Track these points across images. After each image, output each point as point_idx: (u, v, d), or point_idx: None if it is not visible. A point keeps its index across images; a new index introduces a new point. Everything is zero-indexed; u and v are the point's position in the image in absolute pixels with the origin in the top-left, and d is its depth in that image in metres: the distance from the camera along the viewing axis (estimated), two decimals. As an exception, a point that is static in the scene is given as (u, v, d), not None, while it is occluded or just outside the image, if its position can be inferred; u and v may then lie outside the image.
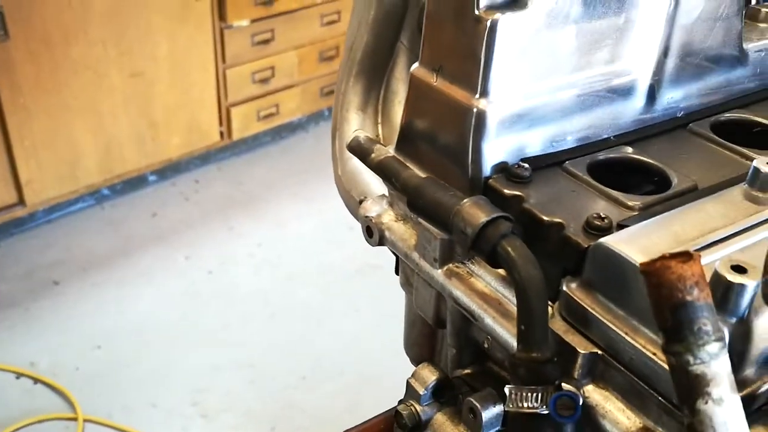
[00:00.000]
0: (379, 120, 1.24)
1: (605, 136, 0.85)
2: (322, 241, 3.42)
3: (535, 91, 0.77)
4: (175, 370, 2.91)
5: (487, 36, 0.72)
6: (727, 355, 0.53)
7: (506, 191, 0.75)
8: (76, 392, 2.82)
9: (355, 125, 1.22)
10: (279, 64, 4.03)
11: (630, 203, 0.73)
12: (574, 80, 0.80)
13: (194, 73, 3.75)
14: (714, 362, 0.52)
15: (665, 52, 0.85)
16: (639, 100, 0.86)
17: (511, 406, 0.65)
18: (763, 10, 0.99)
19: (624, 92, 0.84)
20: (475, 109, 0.75)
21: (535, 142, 0.80)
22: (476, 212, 0.70)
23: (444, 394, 0.83)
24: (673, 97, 0.88)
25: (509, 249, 0.67)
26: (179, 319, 3.11)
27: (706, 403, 0.52)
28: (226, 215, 3.67)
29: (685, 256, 0.53)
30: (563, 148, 0.82)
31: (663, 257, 0.54)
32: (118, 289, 3.24)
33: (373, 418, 0.97)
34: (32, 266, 3.34)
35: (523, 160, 0.79)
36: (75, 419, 2.75)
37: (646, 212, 0.72)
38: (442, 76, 0.78)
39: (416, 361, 0.96)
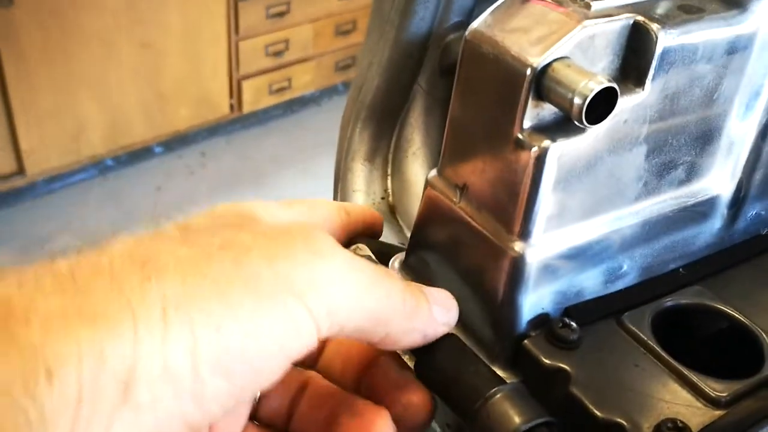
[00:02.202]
0: (389, 171, 1.04)
1: (672, 267, 0.64)
2: (330, 223, 3.20)
3: (590, 226, 0.56)
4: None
5: (533, 167, 0.50)
6: None
7: (547, 361, 0.54)
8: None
9: (362, 178, 1.02)
10: (294, 38, 3.80)
11: (713, 394, 0.53)
12: (640, 208, 0.58)
13: (206, 45, 3.53)
14: None
15: (754, 164, 0.63)
16: (717, 220, 0.65)
17: None
18: None
19: (701, 214, 0.63)
20: (510, 253, 0.54)
21: (585, 285, 0.59)
22: (509, 412, 0.49)
23: None
24: (756, 211, 0.67)
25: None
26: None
27: None
28: (232, 191, 3.47)
29: None
30: (620, 288, 0.61)
31: None
32: (116, 268, 3.05)
33: None
34: (28, 239, 3.15)
35: (569, 310, 0.58)
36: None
37: (736, 411, 0.52)
38: (466, 199, 0.57)
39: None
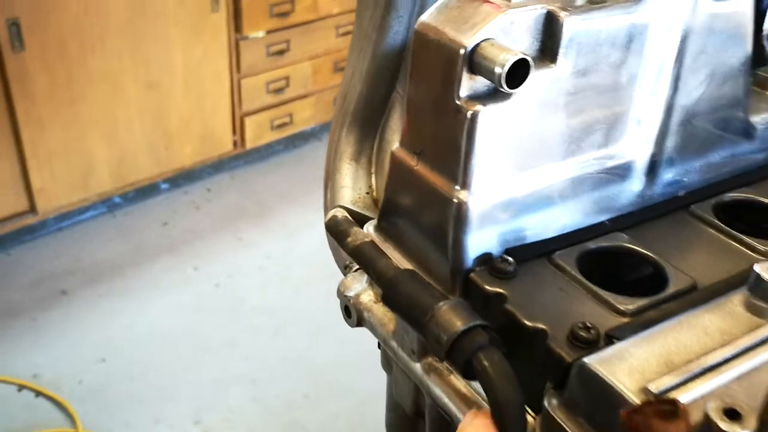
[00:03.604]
0: (373, 170, 1.18)
1: (600, 220, 0.78)
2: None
3: (522, 179, 0.71)
4: (178, 386, 2.86)
5: (467, 127, 0.65)
6: None
7: (488, 288, 0.69)
8: (77, 406, 2.78)
9: (348, 175, 1.16)
10: (293, 74, 3.97)
11: (621, 307, 0.67)
12: (564, 166, 0.73)
13: (209, 83, 3.70)
14: None
15: (664, 132, 0.78)
16: (636, 180, 0.79)
17: None
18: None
19: (620, 174, 0.77)
20: (455, 200, 0.68)
21: (522, 231, 0.73)
22: (452, 319, 0.63)
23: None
24: (673, 175, 0.82)
25: (486, 364, 0.61)
26: (184, 333, 3.06)
27: None
28: (237, 226, 3.61)
29: (671, 410, 0.47)
30: (554, 236, 0.75)
31: (646, 407, 0.47)
32: (126, 300, 3.20)
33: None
34: (42, 275, 3.30)
35: (509, 250, 0.72)
36: (75, 434, 2.71)
37: (639, 319, 0.66)
38: (422, 161, 0.71)
39: (397, 445, 0.90)
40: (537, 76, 0.66)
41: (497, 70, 0.62)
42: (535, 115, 0.68)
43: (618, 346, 0.61)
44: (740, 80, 0.81)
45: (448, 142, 0.68)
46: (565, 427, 0.61)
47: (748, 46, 0.80)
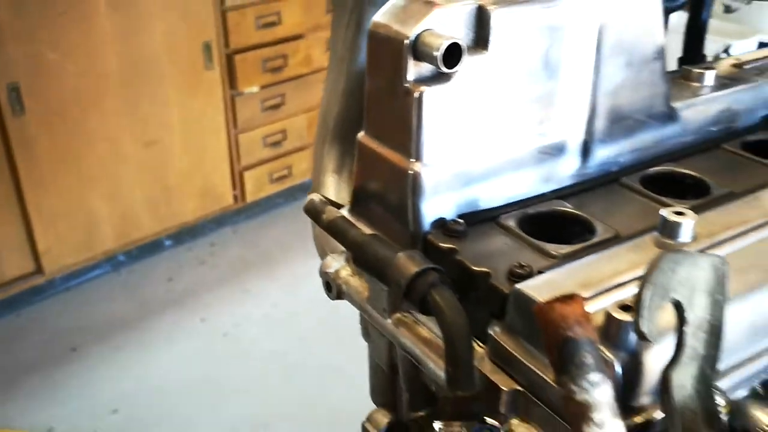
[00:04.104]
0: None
1: (542, 191, 0.93)
2: (337, 300, 3.48)
3: (467, 153, 0.85)
4: (191, 434, 2.99)
5: (416, 106, 0.80)
6: (609, 384, 0.60)
7: (442, 245, 0.83)
8: (93, 457, 2.90)
9: (332, 187, 1.31)
10: (290, 127, 4.15)
11: (554, 252, 0.81)
12: (505, 142, 0.88)
13: (207, 139, 3.88)
14: (595, 391, 0.60)
15: (593, 114, 0.93)
16: (572, 157, 0.94)
17: (441, 439, 0.72)
18: (695, 70, 1.07)
19: (556, 151, 0.92)
20: (411, 172, 0.83)
21: (472, 199, 0.88)
22: (408, 264, 0.78)
23: (400, 437, 0.91)
24: (606, 154, 0.97)
25: (437, 298, 0.75)
26: (196, 382, 3.18)
27: (589, 427, 0.59)
28: (242, 277, 3.76)
29: (569, 298, 0.61)
30: (500, 205, 0.90)
31: (552, 300, 0.61)
32: (136, 353, 3.33)
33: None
34: (51, 333, 3.44)
35: (460, 216, 0.87)
36: (91, 486, 2.83)
37: (567, 260, 0.80)
38: (383, 143, 0.86)
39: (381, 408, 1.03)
40: (472, 61, 0.81)
41: (435, 53, 0.78)
42: (475, 96, 0.84)
43: (545, 275, 0.76)
44: (656, 68, 0.96)
45: (401, 122, 0.83)
46: (507, 347, 0.75)
47: (659, 38, 0.95)
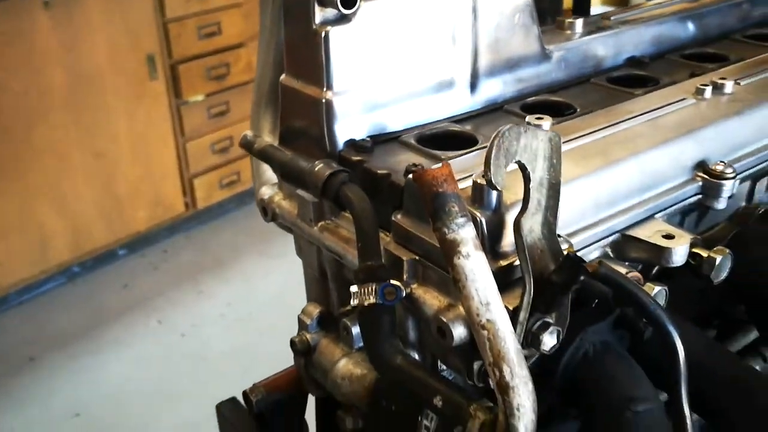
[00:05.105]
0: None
1: (439, 118, 1.15)
2: (291, 295, 3.67)
3: (372, 84, 1.08)
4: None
5: (323, 44, 1.03)
6: (472, 226, 0.83)
7: (353, 158, 1.06)
8: (56, 460, 3.08)
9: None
10: (236, 134, 4.36)
11: (442, 156, 1.04)
12: (403, 76, 1.10)
13: (155, 149, 4.08)
14: (461, 230, 0.82)
15: (476, 54, 1.16)
16: (462, 91, 1.17)
17: (356, 301, 0.93)
18: (567, 20, 1.31)
19: (447, 85, 1.15)
20: (324, 100, 1.05)
21: (378, 124, 1.10)
22: (323, 169, 1.00)
23: (330, 328, 1.12)
24: (491, 87, 1.20)
25: (347, 192, 0.97)
26: (155, 382, 3.36)
27: (459, 258, 0.81)
28: (196, 280, 3.96)
29: (438, 161, 0.83)
30: (402, 129, 1.12)
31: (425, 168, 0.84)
32: (94, 359, 3.51)
33: (283, 370, 1.26)
34: (7, 346, 3.61)
35: (369, 136, 1.09)
36: (53, 489, 3.00)
37: (452, 160, 1.03)
38: (301, 80, 1.09)
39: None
40: (367, 5, 1.04)
41: (333, -4, 1.00)
42: (375, 35, 1.06)
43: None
44: (527, 14, 1.19)
45: (313, 60, 1.05)
46: (405, 227, 0.97)
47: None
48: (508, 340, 0.80)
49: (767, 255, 1.15)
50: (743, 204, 1.23)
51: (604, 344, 0.98)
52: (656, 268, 1.07)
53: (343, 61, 1.05)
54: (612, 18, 1.39)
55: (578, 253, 0.95)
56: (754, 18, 1.55)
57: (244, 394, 1.29)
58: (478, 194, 0.88)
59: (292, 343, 1.12)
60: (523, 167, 0.85)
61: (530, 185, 0.86)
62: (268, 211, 1.18)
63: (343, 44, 1.04)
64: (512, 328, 0.82)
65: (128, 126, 3.95)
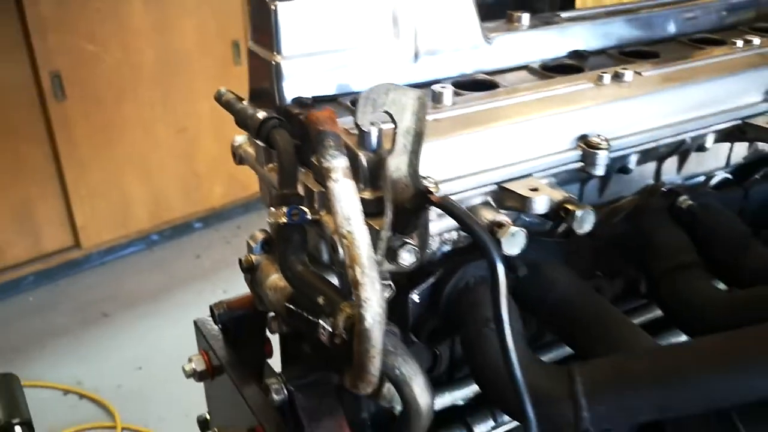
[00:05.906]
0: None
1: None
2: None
3: (316, 49, 1.33)
4: (205, 384, 3.47)
5: (273, 16, 1.28)
6: (345, 158, 1.07)
7: (294, 111, 1.31)
8: (117, 405, 3.41)
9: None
10: (315, 120, 4.65)
11: (364, 113, 1.29)
12: (347, 43, 1.35)
13: (235, 127, 4.39)
14: (334, 160, 1.06)
15: (416, 33, 1.40)
16: (409, 64, 1.41)
17: (271, 219, 1.19)
18: (515, 14, 1.54)
19: (395, 58, 1.39)
20: (273, 62, 1.31)
21: (322, 86, 1.35)
22: (259, 114, 1.26)
23: (271, 251, 1.38)
24: (432, 66, 1.43)
25: (276, 135, 1.23)
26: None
27: (330, 182, 1.06)
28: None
29: (324, 110, 1.09)
30: (346, 92, 1.37)
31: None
32: (161, 320, 3.85)
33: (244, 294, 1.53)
34: (85, 302, 3.99)
35: (315, 97, 1.34)
36: (114, 427, 3.34)
37: (372, 117, 1.27)
38: (259, 45, 1.35)
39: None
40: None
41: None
42: (318, 9, 1.31)
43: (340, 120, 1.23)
44: (466, 5, 1.43)
45: (267, 28, 1.31)
46: (314, 161, 1.21)
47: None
48: (362, 248, 1.04)
49: (656, 225, 1.37)
50: (651, 182, 1.46)
51: (482, 278, 1.22)
52: (563, 225, 1.29)
53: (290, 30, 1.30)
54: (562, 15, 1.61)
55: (459, 197, 1.20)
56: (702, 24, 1.76)
57: (210, 308, 1.56)
58: (361, 138, 1.12)
59: (240, 262, 1.38)
60: (390, 116, 1.09)
61: (397, 131, 1.10)
62: (236, 156, 1.45)
63: (291, 17, 1.29)
64: (368, 239, 1.06)
65: (210, 104, 4.27)
